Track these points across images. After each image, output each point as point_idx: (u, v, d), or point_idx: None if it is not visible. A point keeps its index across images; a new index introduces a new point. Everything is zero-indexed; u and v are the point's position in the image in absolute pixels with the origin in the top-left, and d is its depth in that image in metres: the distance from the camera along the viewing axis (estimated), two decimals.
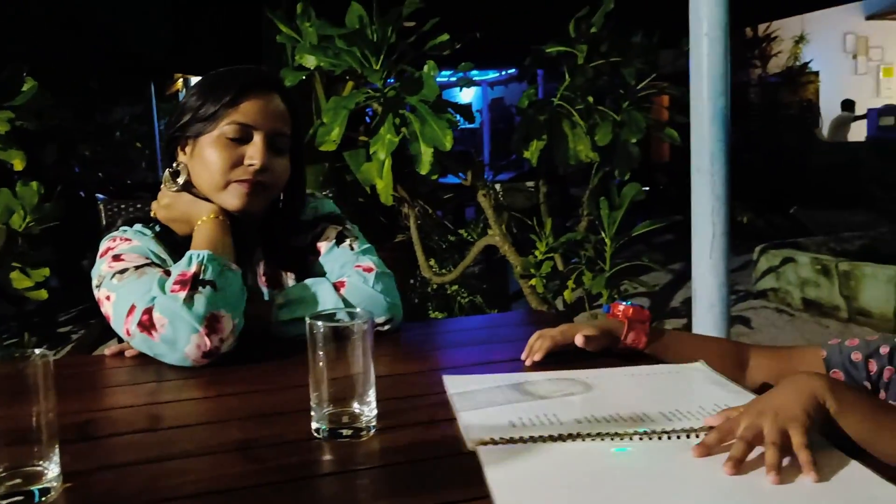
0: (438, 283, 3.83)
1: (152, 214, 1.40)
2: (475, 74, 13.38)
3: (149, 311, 1.19)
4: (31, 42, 5.59)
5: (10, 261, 3.32)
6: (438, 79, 2.86)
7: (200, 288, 1.20)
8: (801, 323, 4.63)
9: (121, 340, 1.33)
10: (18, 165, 3.45)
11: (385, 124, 2.87)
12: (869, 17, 12.41)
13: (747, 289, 5.27)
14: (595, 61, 3.27)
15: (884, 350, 1.18)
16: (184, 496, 0.77)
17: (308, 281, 1.36)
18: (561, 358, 1.17)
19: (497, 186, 5.63)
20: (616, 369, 1.13)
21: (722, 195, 2.39)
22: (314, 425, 0.90)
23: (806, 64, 11.66)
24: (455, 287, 4.16)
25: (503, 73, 13.94)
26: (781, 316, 4.78)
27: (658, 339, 1.22)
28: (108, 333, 1.38)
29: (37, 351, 0.78)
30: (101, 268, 1.29)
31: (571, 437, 0.86)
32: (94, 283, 1.30)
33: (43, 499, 0.76)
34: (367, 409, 0.90)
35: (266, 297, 1.40)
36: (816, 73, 11.66)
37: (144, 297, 1.21)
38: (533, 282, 3.24)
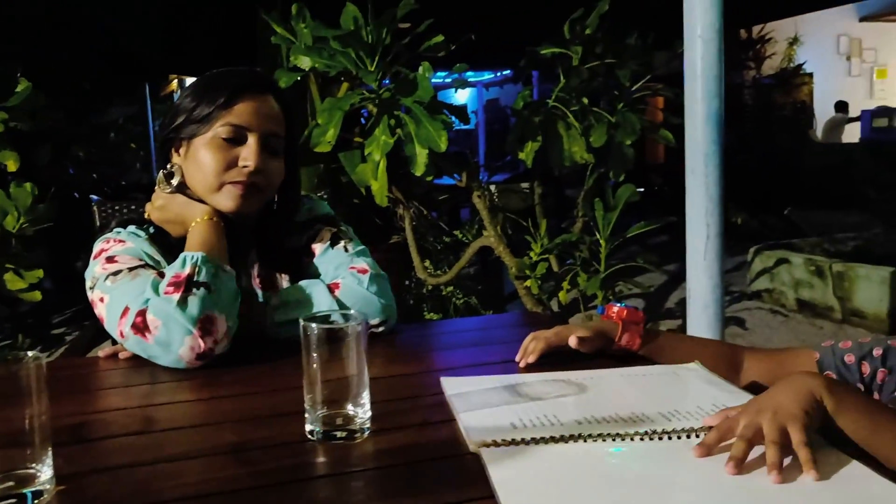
0: (433, 284, 3.83)
1: (146, 216, 1.39)
2: (470, 75, 13.40)
3: (142, 313, 1.19)
4: (25, 42, 5.57)
5: (3, 262, 3.31)
6: (433, 80, 2.86)
7: (194, 290, 1.20)
8: (796, 324, 4.65)
9: (115, 342, 1.32)
10: (12, 166, 3.44)
11: (380, 125, 2.87)
12: (862, 19, 12.45)
13: (742, 290, 5.28)
14: (590, 63, 3.27)
15: (877, 352, 1.18)
16: (177, 499, 0.77)
17: (302, 283, 1.36)
18: (556, 359, 1.17)
19: (492, 187, 5.63)
20: (610, 370, 1.13)
21: (716, 196, 2.39)
22: (308, 427, 0.90)
23: (800, 65, 11.69)
24: (450, 288, 4.16)
25: (498, 74, 13.96)
26: (775, 317, 4.79)
27: (652, 340, 1.23)
28: (102, 335, 1.38)
29: (29, 353, 0.77)
30: (95, 269, 1.29)
31: (573, 438, 0.86)
32: (88, 284, 1.29)
33: (35, 501, 0.76)
34: (362, 411, 0.90)
35: (260, 299, 1.40)
36: (810, 75, 11.70)
37: (138, 299, 1.20)
38: (528, 283, 3.24)
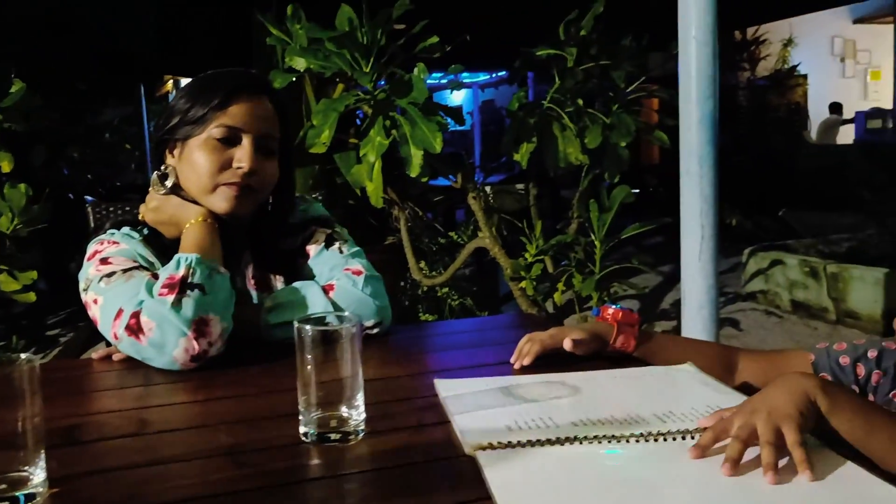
0: (429, 285, 3.83)
1: (140, 217, 1.39)
2: (466, 77, 13.39)
3: (136, 315, 1.19)
4: (20, 43, 5.56)
5: None
6: (429, 81, 2.86)
7: (189, 291, 1.20)
8: (790, 325, 4.66)
9: (109, 344, 1.32)
10: (6, 167, 3.44)
11: (375, 127, 2.87)
12: (856, 21, 12.50)
13: (736, 291, 5.29)
14: (585, 64, 3.28)
15: (871, 354, 1.18)
16: (171, 501, 0.77)
17: (297, 284, 1.35)
18: (550, 361, 1.17)
19: (487, 189, 5.63)
20: (604, 372, 1.13)
21: (710, 197, 2.40)
22: (302, 429, 0.90)
23: (794, 67, 11.72)
24: (445, 289, 4.16)
25: (494, 75, 13.95)
26: (770, 318, 4.80)
27: (647, 342, 1.23)
28: (96, 337, 1.37)
29: (23, 356, 0.77)
30: (89, 271, 1.28)
31: (569, 440, 0.86)
32: (82, 286, 1.29)
33: None
34: (356, 413, 0.90)
35: (255, 301, 1.40)
36: (805, 76, 11.73)
37: (132, 301, 1.20)
38: (523, 284, 3.24)
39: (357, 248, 1.44)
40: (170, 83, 10.95)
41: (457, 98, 15.32)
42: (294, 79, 3.03)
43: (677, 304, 2.83)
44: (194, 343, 1.18)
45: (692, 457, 0.82)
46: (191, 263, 1.23)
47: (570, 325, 1.26)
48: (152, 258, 1.32)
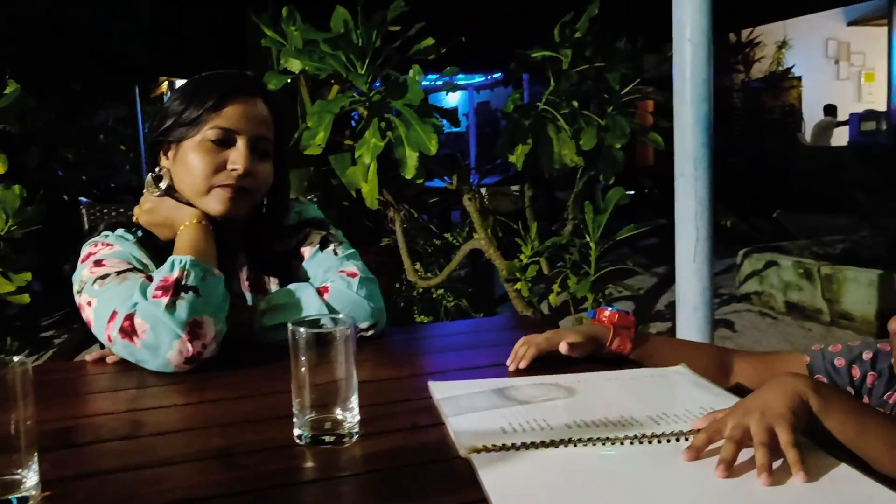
0: (424, 286, 3.83)
1: (134, 219, 1.39)
2: (461, 78, 13.40)
3: (130, 317, 1.18)
4: (14, 44, 5.54)
5: None
6: (424, 82, 2.86)
7: (183, 293, 1.19)
8: (784, 326, 4.67)
9: (103, 346, 1.32)
10: (0, 168, 3.42)
11: (370, 128, 2.86)
12: (850, 24, 12.54)
13: (731, 292, 5.30)
14: (580, 66, 3.28)
15: (866, 356, 1.19)
16: None
17: (291, 286, 1.35)
18: (545, 362, 1.17)
19: (483, 190, 5.63)
20: (598, 373, 1.13)
21: (705, 199, 2.40)
22: (296, 432, 0.90)
23: (788, 69, 11.76)
24: (441, 291, 4.16)
25: (489, 77, 13.96)
26: (764, 319, 4.81)
27: (643, 344, 1.23)
28: (90, 339, 1.37)
29: (16, 358, 0.77)
30: (83, 273, 1.28)
31: (563, 442, 0.86)
32: (76, 288, 1.29)
33: None
34: (350, 415, 0.90)
35: (249, 303, 1.40)
36: (799, 78, 11.77)
37: (126, 303, 1.20)
38: (518, 285, 3.24)
39: (352, 250, 1.44)
40: (165, 84, 10.94)
41: (452, 100, 15.35)
42: (289, 80, 3.02)
43: (672, 306, 2.84)
44: (188, 345, 1.18)
45: (686, 459, 0.82)
46: (185, 265, 1.22)
47: (565, 328, 1.25)
48: (146, 260, 1.32)
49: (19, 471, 0.75)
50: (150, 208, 1.36)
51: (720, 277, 5.12)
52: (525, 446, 0.85)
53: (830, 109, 11.05)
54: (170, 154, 1.35)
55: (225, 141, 1.31)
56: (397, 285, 4.12)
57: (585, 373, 1.13)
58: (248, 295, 1.42)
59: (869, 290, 4.32)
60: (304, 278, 1.40)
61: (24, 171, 4.60)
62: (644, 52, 3.39)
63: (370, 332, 1.37)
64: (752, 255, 5.21)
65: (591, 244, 3.14)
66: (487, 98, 15.18)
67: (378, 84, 2.96)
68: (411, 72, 2.85)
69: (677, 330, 2.49)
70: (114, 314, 1.20)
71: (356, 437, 0.90)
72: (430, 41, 2.90)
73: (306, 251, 1.42)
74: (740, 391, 1.16)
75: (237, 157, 1.31)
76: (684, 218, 2.43)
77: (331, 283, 1.35)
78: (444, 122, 2.99)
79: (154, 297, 1.19)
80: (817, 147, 10.42)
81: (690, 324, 2.45)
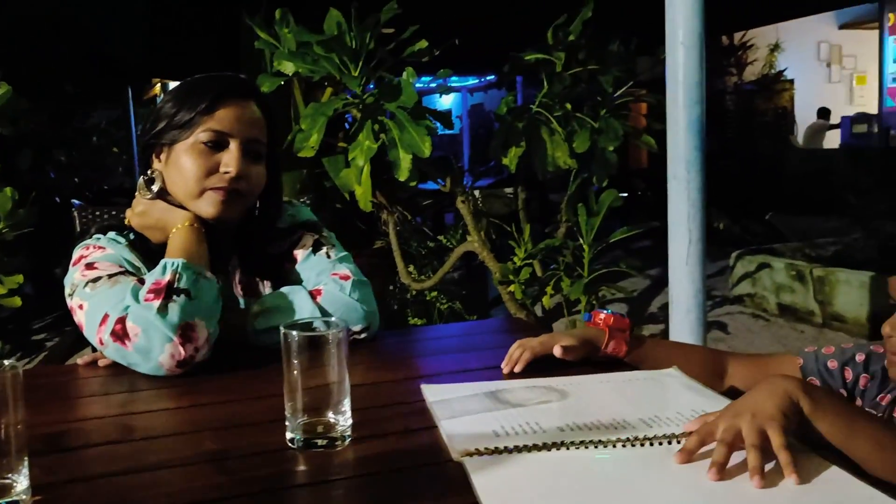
0: (417, 289, 3.82)
1: (126, 222, 1.38)
2: (455, 80, 13.39)
3: (122, 321, 1.18)
4: (6, 45, 5.52)
5: None
6: (417, 85, 2.86)
7: (175, 297, 1.19)
8: (777, 328, 4.68)
9: (94, 349, 1.31)
10: None
11: (364, 131, 2.86)
12: (842, 27, 12.60)
13: (724, 294, 5.32)
14: (573, 69, 3.28)
15: (859, 358, 1.19)
16: None
17: (284, 289, 1.35)
18: (538, 365, 1.17)
19: (476, 192, 5.63)
20: (591, 376, 1.13)
21: (698, 202, 2.41)
22: (289, 435, 0.90)
23: (781, 72, 11.80)
24: (434, 293, 4.15)
25: (482, 79, 13.96)
26: (757, 321, 4.82)
27: (638, 347, 1.23)
28: (81, 342, 1.36)
29: (6, 362, 0.76)
30: (74, 276, 1.28)
31: (556, 445, 0.86)
32: (67, 291, 1.28)
33: None
34: (342, 418, 0.90)
35: (242, 306, 1.39)
36: (791, 81, 11.80)
37: (118, 306, 1.19)
38: (512, 288, 3.24)
39: (345, 253, 1.44)
40: (158, 86, 10.90)
41: (445, 102, 15.32)
42: (282, 83, 3.02)
43: (665, 308, 2.84)
44: (180, 349, 1.17)
45: (678, 461, 0.82)
46: (177, 268, 1.22)
47: (560, 332, 1.26)
48: (138, 263, 1.32)
49: (10, 475, 0.75)
50: (142, 211, 1.35)
51: (713, 279, 5.13)
52: (517, 449, 0.85)
53: (824, 112, 11.09)
54: (162, 157, 1.35)
55: (218, 143, 1.31)
56: (391, 288, 4.12)
57: (578, 376, 1.13)
58: (240, 298, 1.41)
59: (861, 292, 4.34)
60: (297, 281, 1.40)
61: (16, 173, 4.58)
62: (637, 55, 3.40)
63: (363, 336, 1.36)
64: (744, 257, 5.22)
65: (585, 246, 3.14)
66: (481, 100, 15.18)
67: (371, 86, 2.96)
68: (405, 74, 2.85)
69: (670, 332, 2.49)
70: (105, 317, 1.20)
71: (348, 440, 0.90)
72: (423, 43, 2.90)
73: (299, 254, 1.42)
74: (734, 393, 1.17)
75: (230, 159, 1.30)
76: (677, 220, 2.43)
77: (324, 286, 1.35)
78: (438, 124, 2.99)
79: (146, 300, 1.18)
80: (809, 149, 10.46)
81: (683, 326, 2.45)
